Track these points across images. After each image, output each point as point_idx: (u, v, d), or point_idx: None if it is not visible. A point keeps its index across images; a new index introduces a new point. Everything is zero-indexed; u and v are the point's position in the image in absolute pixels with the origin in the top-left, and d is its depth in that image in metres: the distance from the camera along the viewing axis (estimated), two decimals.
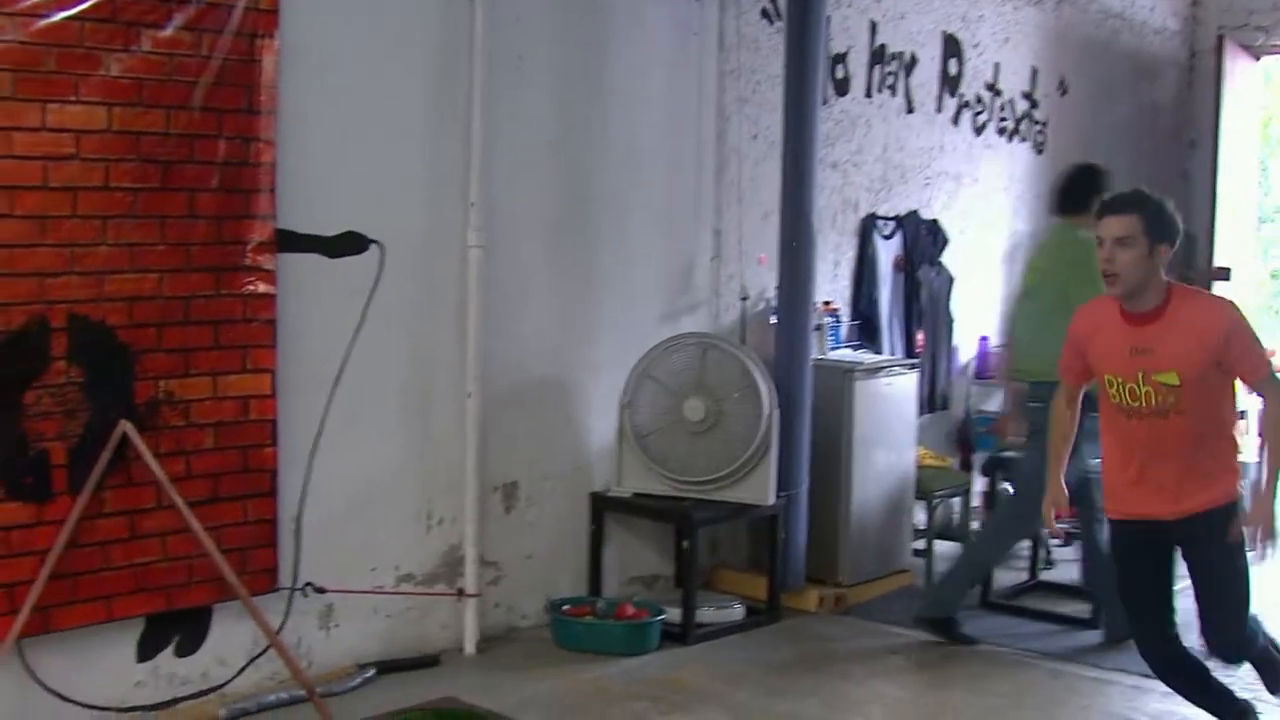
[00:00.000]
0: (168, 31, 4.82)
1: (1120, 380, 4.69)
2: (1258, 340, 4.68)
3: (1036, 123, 9.57)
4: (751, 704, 5.55)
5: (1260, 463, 4.76)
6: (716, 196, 7.15)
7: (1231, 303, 4.73)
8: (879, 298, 8.15)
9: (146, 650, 5.09)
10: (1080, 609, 6.83)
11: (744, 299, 7.25)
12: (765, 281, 7.27)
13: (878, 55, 8.14)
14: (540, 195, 6.34)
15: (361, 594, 5.68)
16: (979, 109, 9.01)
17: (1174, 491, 4.69)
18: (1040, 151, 9.57)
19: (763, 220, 7.22)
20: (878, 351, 7.92)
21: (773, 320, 7.06)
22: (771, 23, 7.30)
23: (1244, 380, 4.70)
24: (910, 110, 8.43)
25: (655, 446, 6.47)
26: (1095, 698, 5.79)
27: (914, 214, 8.48)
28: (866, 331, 8.03)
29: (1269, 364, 4.69)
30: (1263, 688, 5.13)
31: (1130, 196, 4.74)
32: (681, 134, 6.97)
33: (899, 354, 8.13)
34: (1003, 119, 9.24)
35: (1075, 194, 6.49)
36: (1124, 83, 10.49)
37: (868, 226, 8.14)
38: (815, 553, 6.92)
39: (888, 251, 8.25)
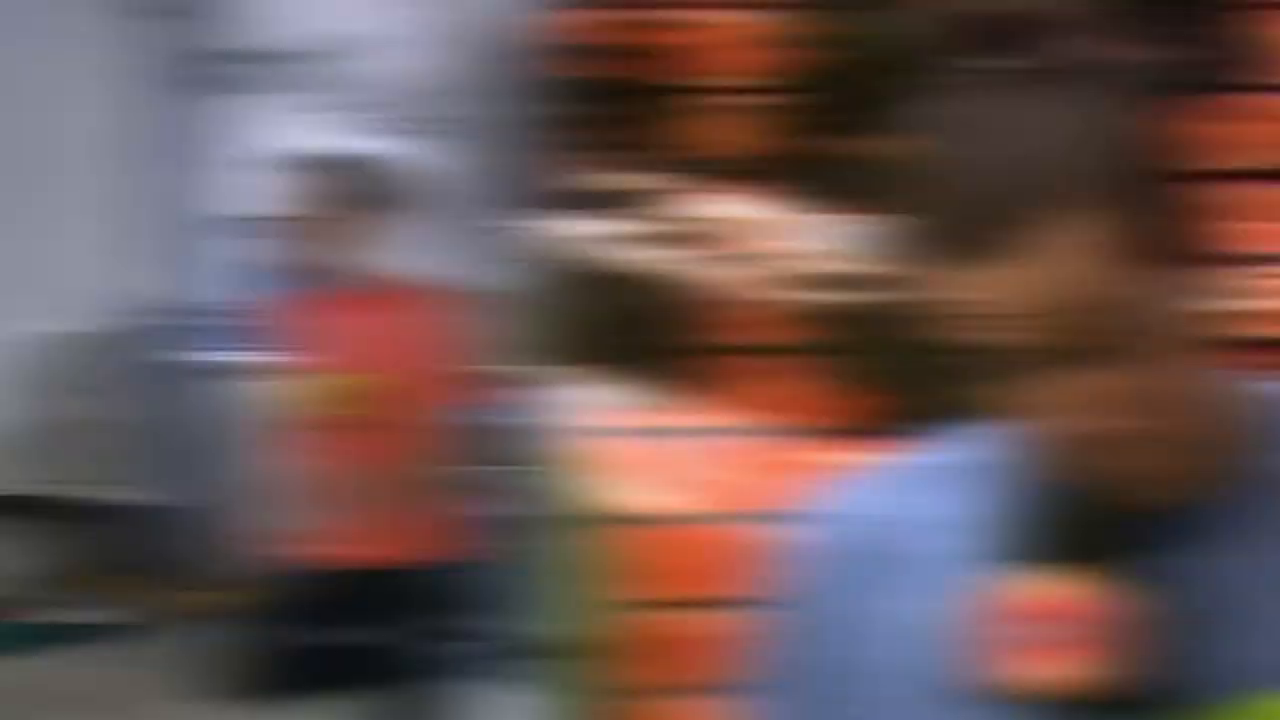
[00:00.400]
0: None
1: (318, 380, 3.99)
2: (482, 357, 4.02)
3: (447, 121, 9.59)
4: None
5: None
6: (104, 198, 7.02)
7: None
8: (267, 299, 8.15)
9: None
10: None
11: (125, 301, 7.12)
12: (151, 283, 7.18)
13: (268, 53, 8.10)
14: None
15: None
16: (383, 109, 9.04)
17: (376, 525, 3.98)
18: (454, 150, 9.62)
19: (149, 220, 7.13)
20: (260, 353, 7.92)
21: (154, 322, 7.02)
22: (154, 20, 7.18)
23: (453, 398, 4.04)
24: (304, 110, 8.42)
25: (33, 444, 6.34)
26: None
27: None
28: (247, 333, 8.01)
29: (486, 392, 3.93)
30: None
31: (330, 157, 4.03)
32: (60, 133, 6.83)
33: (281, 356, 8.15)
34: (411, 120, 9.25)
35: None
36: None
37: (252, 229, 8.11)
38: (211, 555, 6.90)
39: (271, 255, 8.26)
